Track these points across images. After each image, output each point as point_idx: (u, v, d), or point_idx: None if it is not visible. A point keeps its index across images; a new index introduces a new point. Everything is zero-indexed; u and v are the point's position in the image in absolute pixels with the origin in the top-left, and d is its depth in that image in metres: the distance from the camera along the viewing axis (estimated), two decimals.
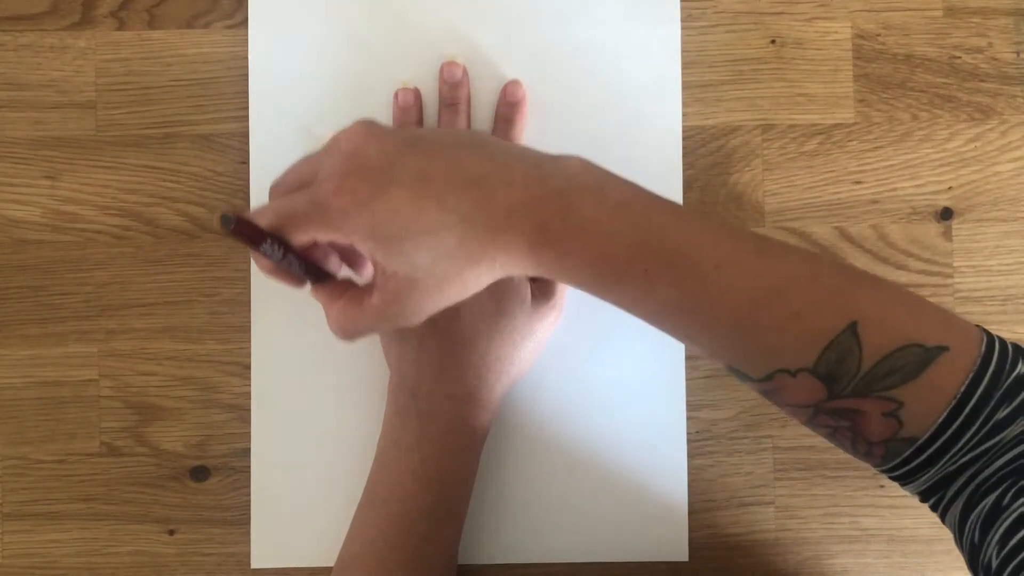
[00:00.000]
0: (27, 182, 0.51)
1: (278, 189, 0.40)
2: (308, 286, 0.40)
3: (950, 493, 0.37)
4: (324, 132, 0.47)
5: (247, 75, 0.51)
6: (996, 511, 0.34)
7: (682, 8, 0.51)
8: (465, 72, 0.50)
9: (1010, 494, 0.34)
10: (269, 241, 0.36)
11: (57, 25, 0.51)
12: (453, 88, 0.50)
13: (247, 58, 0.51)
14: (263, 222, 0.36)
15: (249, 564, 0.50)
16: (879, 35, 0.51)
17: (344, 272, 0.42)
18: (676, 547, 0.50)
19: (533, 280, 0.48)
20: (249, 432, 0.50)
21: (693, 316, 0.37)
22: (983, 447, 0.35)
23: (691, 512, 0.50)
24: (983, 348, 0.35)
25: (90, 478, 0.50)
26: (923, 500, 0.39)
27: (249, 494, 0.50)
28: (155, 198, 0.51)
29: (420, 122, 0.51)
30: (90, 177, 0.51)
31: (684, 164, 0.51)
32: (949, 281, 0.51)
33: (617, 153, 0.50)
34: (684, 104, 0.51)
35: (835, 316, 0.35)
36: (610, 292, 0.37)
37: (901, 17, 0.51)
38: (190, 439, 0.50)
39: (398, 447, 0.45)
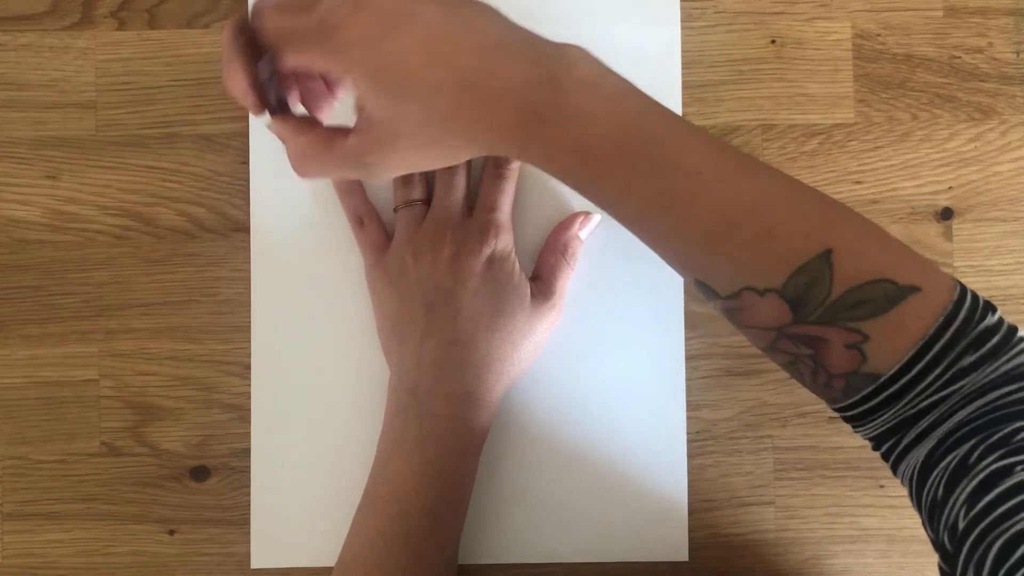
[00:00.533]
0: (27, 182, 0.51)
1: (271, 3, 0.37)
2: (267, 116, 0.38)
3: (906, 440, 0.37)
4: None
5: None
6: (962, 468, 0.34)
7: (682, 8, 0.51)
8: None
9: (977, 452, 0.33)
10: (268, 56, 0.34)
11: (57, 25, 0.51)
12: None
13: None
14: (268, 31, 0.34)
15: (249, 564, 0.50)
16: (879, 35, 0.51)
17: (299, 111, 0.41)
18: (676, 547, 0.50)
19: (533, 280, 0.48)
20: (249, 432, 0.50)
21: (668, 219, 0.36)
22: (943, 392, 0.35)
23: (691, 512, 0.50)
24: (956, 295, 0.35)
25: (90, 478, 0.50)
26: (876, 447, 0.39)
27: (249, 494, 0.50)
28: (155, 198, 0.51)
29: None
30: (90, 177, 0.51)
31: None
32: None
33: None
34: (684, 104, 0.51)
35: (810, 240, 0.35)
36: (591, 186, 0.37)
37: (901, 17, 0.51)
38: (190, 439, 0.50)
39: (398, 447, 0.45)
